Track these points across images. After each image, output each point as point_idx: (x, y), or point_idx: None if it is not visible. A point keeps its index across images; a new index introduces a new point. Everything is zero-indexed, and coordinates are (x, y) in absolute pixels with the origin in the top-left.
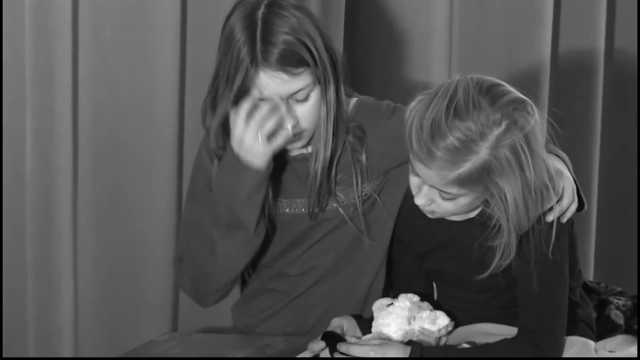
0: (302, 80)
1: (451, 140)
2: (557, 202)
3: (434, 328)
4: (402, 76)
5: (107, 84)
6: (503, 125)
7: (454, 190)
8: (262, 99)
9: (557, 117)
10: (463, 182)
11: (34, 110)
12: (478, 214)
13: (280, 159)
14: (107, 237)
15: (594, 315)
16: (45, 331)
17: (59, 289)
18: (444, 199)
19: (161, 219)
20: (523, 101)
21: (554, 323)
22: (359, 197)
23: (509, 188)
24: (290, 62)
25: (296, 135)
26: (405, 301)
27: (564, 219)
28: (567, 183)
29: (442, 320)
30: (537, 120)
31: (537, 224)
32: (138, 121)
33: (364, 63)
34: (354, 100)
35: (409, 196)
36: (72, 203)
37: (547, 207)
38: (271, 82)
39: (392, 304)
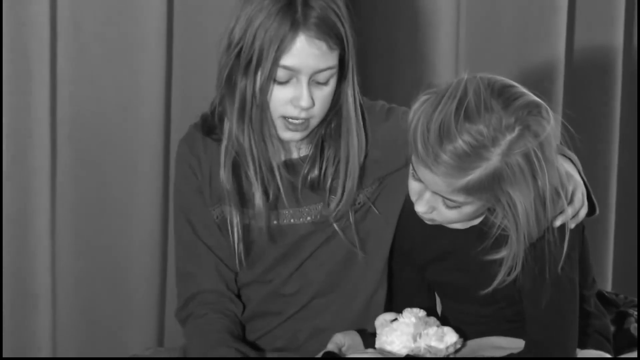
0: (332, 58)
1: (460, 144)
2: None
3: (442, 346)
4: (405, 73)
5: (87, 80)
6: (516, 131)
7: (460, 198)
8: (281, 75)
9: (571, 118)
10: (471, 190)
11: (9, 108)
12: (482, 222)
13: (268, 168)
14: (88, 244)
15: (612, 327)
16: (21, 345)
17: (36, 300)
18: (448, 207)
19: (146, 224)
20: (538, 105)
21: (564, 335)
22: (350, 206)
23: (521, 198)
24: (329, 32)
25: (304, 123)
26: (410, 317)
27: (572, 225)
28: (577, 187)
29: (450, 337)
30: (552, 125)
31: (545, 232)
32: (121, 119)
33: (364, 57)
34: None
35: (408, 202)
36: (50, 208)
37: (557, 213)
38: (308, 49)
39: (396, 319)
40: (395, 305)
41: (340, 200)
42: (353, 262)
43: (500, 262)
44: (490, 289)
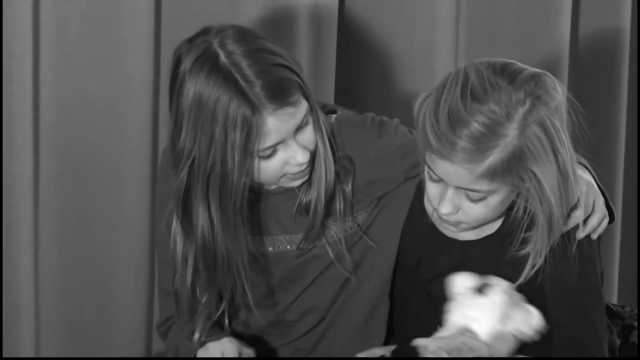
0: (302, 105)
1: (475, 126)
2: (588, 217)
3: (530, 332)
4: (402, 78)
5: (72, 84)
6: (528, 103)
7: (484, 186)
8: (264, 153)
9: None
10: (494, 173)
11: None
12: (497, 230)
13: (255, 194)
14: (73, 255)
15: (618, 342)
16: (10, 356)
17: (18, 313)
18: (473, 200)
19: (133, 234)
20: (542, 75)
21: (594, 341)
22: (344, 231)
23: (545, 174)
24: (287, 91)
25: (306, 169)
26: (500, 292)
27: (595, 235)
28: (597, 197)
29: (536, 320)
30: (560, 93)
31: (570, 243)
32: (107, 125)
33: (358, 64)
34: (332, 118)
35: (413, 218)
36: (33, 217)
37: (575, 199)
38: (280, 123)
39: (480, 289)
40: (396, 322)
41: (311, 227)
42: (351, 283)
43: (519, 262)
44: (516, 285)
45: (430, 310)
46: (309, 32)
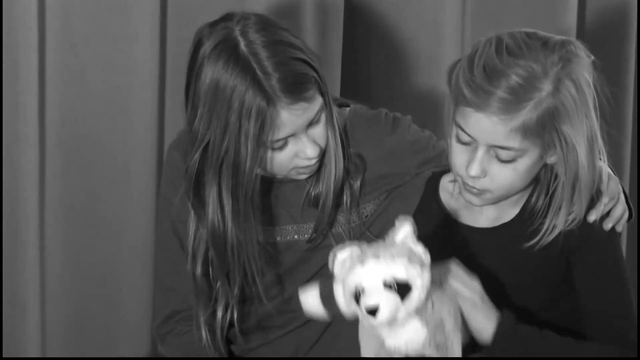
0: (316, 101)
1: (512, 77)
2: (610, 209)
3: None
4: (409, 74)
5: (77, 80)
6: (561, 64)
7: (516, 143)
8: (276, 145)
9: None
10: (527, 129)
11: None
12: (516, 216)
13: (265, 184)
14: (78, 251)
15: None
16: (9, 353)
17: (24, 309)
18: (502, 161)
19: (138, 230)
20: (570, 41)
21: (631, 329)
22: (349, 223)
23: (575, 134)
24: (303, 86)
25: (315, 164)
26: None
27: (619, 228)
28: (620, 189)
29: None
30: (586, 59)
31: (597, 231)
32: (113, 121)
33: (364, 58)
34: (345, 112)
35: (424, 208)
36: (38, 214)
37: (597, 173)
38: (293, 117)
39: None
40: None
41: (320, 220)
42: None
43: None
44: (530, 244)
45: None
46: (315, 25)
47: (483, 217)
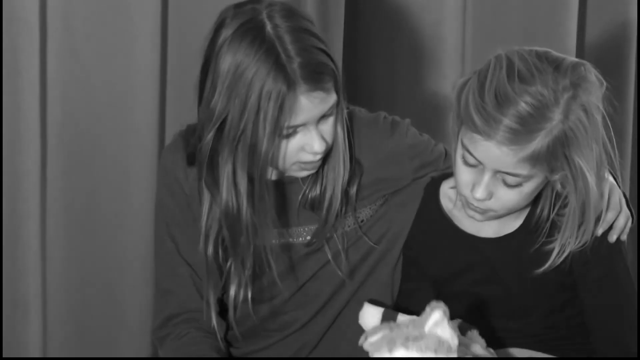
0: (332, 95)
1: (523, 106)
2: (615, 219)
3: None
4: (409, 74)
5: (78, 80)
6: (572, 90)
7: (525, 170)
8: (287, 132)
9: None
10: (537, 157)
11: None
12: (520, 227)
13: (262, 183)
14: (79, 251)
15: None
16: (11, 352)
17: (25, 308)
18: (509, 185)
19: (139, 230)
20: (583, 64)
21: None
22: (344, 228)
23: (585, 161)
24: (323, 76)
25: (317, 161)
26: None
27: (624, 236)
28: (621, 196)
29: None
30: (597, 83)
31: (604, 245)
32: (114, 121)
33: (365, 59)
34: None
35: (424, 214)
36: (40, 214)
37: (606, 194)
38: (311, 105)
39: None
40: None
41: (324, 223)
42: (351, 279)
43: (545, 258)
44: (541, 270)
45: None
46: (316, 22)
47: (486, 226)
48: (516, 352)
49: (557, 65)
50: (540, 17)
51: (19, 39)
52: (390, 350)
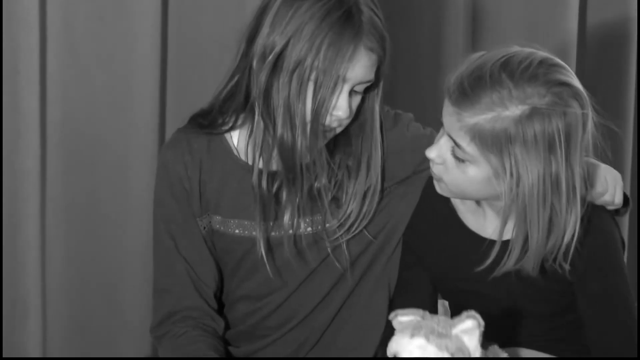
0: (375, 70)
1: (487, 79)
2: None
3: None
4: (409, 72)
5: (78, 80)
6: (546, 104)
7: (464, 143)
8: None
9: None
10: (477, 135)
11: None
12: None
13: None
14: (79, 250)
15: None
16: (10, 353)
17: (25, 308)
18: (456, 158)
19: (139, 229)
20: (579, 92)
21: (633, 347)
22: (339, 225)
23: (527, 169)
24: (382, 44)
25: (332, 130)
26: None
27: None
28: (606, 172)
29: None
30: (587, 117)
31: (602, 257)
32: (113, 121)
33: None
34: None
35: (424, 210)
36: (39, 212)
37: (571, 218)
38: (363, 61)
39: None
40: (393, 305)
41: (348, 214)
42: (350, 275)
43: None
44: (533, 277)
45: (433, 305)
46: None
47: (487, 222)
48: (520, 352)
49: (548, 79)
50: (541, 13)
51: (19, 39)
52: (412, 335)
